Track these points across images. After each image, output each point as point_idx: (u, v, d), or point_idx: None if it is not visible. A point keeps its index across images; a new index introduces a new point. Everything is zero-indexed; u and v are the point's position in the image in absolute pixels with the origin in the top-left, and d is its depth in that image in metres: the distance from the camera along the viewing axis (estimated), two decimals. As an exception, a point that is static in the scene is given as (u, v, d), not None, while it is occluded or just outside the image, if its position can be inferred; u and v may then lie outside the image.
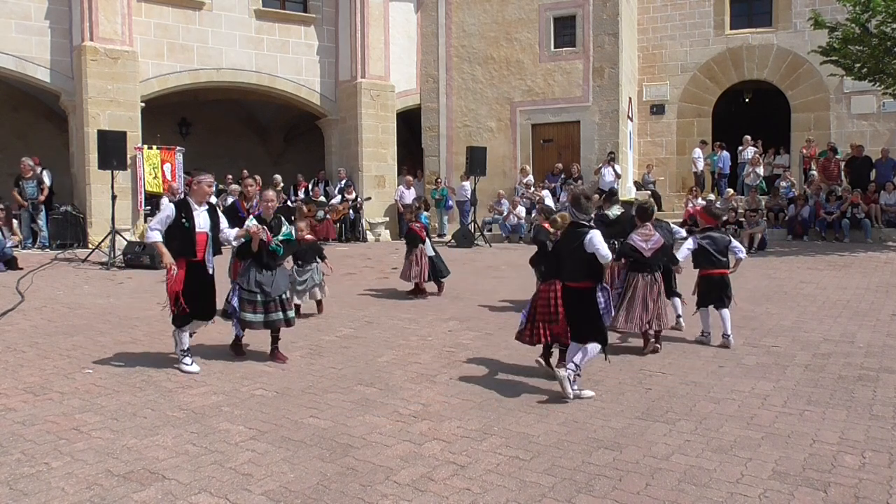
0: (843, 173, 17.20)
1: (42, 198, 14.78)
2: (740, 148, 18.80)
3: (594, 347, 5.31)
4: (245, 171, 17.48)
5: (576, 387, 5.25)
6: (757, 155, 18.40)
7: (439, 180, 19.15)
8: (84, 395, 5.32)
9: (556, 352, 5.95)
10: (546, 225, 7.11)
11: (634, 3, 20.27)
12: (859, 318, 8.10)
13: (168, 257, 5.88)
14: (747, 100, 21.81)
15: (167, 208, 6.13)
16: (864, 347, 6.77)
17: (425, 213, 10.55)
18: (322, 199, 17.98)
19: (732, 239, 7.34)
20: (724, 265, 7.04)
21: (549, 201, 13.08)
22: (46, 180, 14.88)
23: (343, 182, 18.50)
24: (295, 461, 4.10)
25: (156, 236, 5.95)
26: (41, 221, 14.87)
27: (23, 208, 14.67)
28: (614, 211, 7.76)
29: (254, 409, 5.01)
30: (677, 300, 7.58)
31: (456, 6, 19.58)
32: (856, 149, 17.26)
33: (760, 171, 18.23)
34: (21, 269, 11.77)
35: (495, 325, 8.02)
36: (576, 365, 5.26)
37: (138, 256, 12.59)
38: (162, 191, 16.05)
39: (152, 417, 4.83)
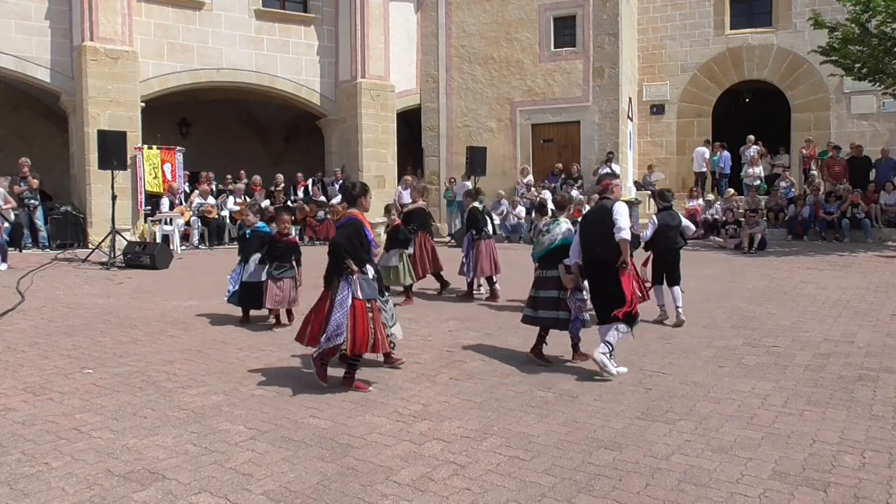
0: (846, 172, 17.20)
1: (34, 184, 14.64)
2: (743, 147, 18.77)
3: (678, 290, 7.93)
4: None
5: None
6: (758, 155, 18.39)
7: (453, 179, 18.97)
8: (84, 395, 5.31)
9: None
10: (396, 222, 8.42)
11: (634, 3, 20.26)
12: (859, 318, 8.10)
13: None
14: (747, 100, 21.81)
15: (625, 208, 5.87)
16: (864, 347, 6.77)
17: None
18: (322, 198, 17.98)
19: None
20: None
21: (550, 203, 13.03)
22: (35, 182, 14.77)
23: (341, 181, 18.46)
24: (295, 461, 4.10)
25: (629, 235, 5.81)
26: (39, 221, 14.85)
27: (22, 209, 14.62)
28: (476, 205, 10.24)
29: (254, 409, 5.01)
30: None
31: (456, 6, 19.57)
32: (855, 149, 17.25)
33: (760, 170, 18.22)
34: (14, 260, 11.60)
35: (495, 325, 8.03)
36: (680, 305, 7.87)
37: (138, 256, 12.59)
38: (162, 191, 16.04)
39: (152, 417, 4.83)
